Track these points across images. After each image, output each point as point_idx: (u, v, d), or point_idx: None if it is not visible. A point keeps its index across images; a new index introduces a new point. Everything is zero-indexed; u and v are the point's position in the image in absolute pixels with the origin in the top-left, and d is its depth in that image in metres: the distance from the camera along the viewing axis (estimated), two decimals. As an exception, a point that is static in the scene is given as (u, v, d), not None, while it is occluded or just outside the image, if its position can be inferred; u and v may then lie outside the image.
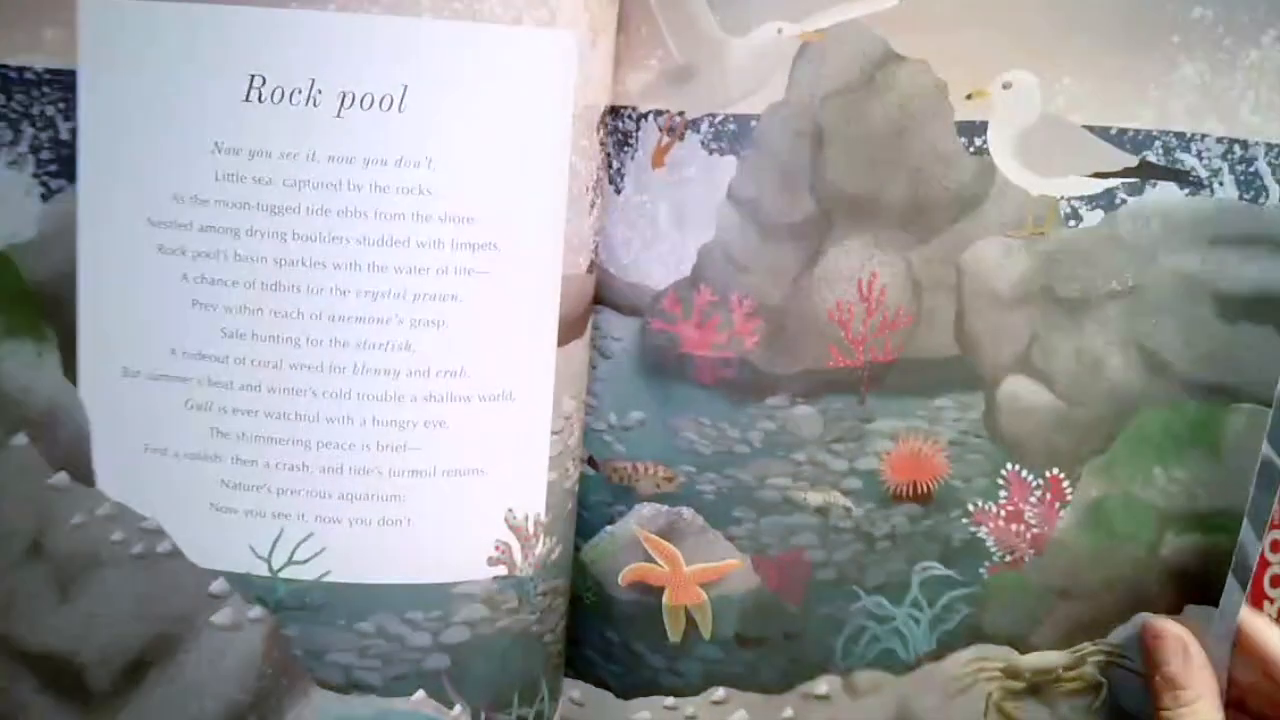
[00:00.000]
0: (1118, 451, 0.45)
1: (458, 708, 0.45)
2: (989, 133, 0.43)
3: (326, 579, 0.43)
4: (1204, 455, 0.45)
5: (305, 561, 0.43)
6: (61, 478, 0.43)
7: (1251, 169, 0.42)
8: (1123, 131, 0.42)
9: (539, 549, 0.45)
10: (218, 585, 0.44)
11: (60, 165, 0.42)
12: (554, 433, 0.45)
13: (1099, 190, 0.43)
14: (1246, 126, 0.42)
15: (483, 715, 0.45)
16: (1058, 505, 0.45)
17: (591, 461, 0.47)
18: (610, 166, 0.45)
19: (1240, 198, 0.43)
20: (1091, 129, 0.42)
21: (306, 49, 0.40)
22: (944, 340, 0.45)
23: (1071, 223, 0.44)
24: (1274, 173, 0.42)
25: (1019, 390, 0.45)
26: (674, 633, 0.47)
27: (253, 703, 0.44)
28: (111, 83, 0.41)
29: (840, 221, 0.44)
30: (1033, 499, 0.45)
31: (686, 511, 0.46)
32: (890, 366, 0.45)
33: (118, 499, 0.43)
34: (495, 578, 0.45)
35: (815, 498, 0.46)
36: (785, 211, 0.44)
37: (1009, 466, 0.46)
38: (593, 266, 0.45)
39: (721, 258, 0.45)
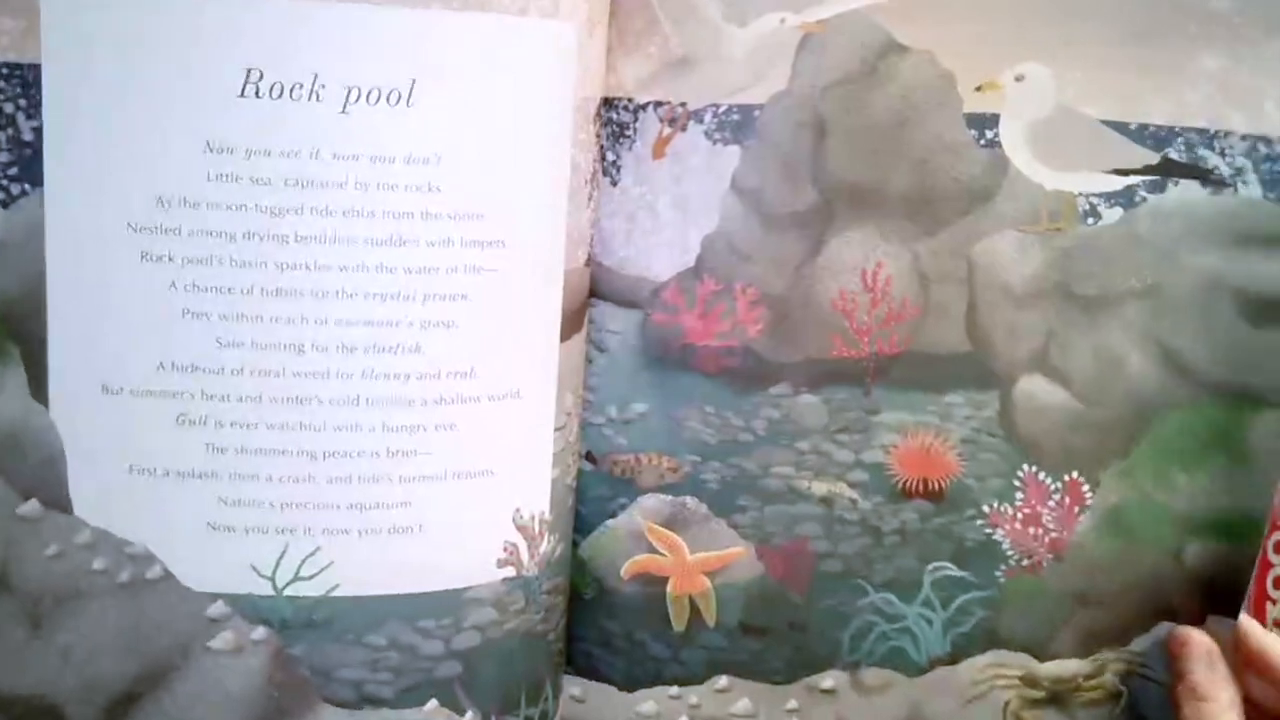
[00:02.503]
0: (1139, 455, 0.44)
1: (469, 714, 0.44)
2: (1001, 126, 0.43)
3: (335, 593, 0.42)
4: (1227, 459, 0.44)
5: (312, 577, 0.42)
6: (32, 506, 0.40)
7: (1277, 167, 0.42)
8: (1143, 127, 0.42)
9: (544, 547, 0.45)
10: (216, 608, 0.41)
11: (22, 168, 0.38)
12: (556, 429, 0.44)
13: (1119, 187, 0.43)
14: (1271, 122, 0.42)
15: (493, 719, 0.45)
16: (1076, 509, 0.45)
17: (589, 456, 0.47)
18: (604, 159, 0.44)
19: (1264, 196, 0.43)
20: (1110, 124, 0.42)
21: (309, 42, 0.38)
22: (954, 334, 0.45)
23: (1090, 220, 0.44)
24: None
25: (1035, 389, 0.45)
26: (678, 622, 0.47)
27: (259, 728, 0.42)
28: (82, 77, 0.38)
29: (843, 211, 0.44)
30: (1051, 502, 0.45)
31: (690, 501, 0.47)
32: (897, 359, 0.45)
33: (99, 525, 0.40)
34: (504, 579, 0.44)
35: (820, 487, 0.46)
36: (788, 201, 0.44)
37: (1025, 468, 0.45)
38: (589, 260, 0.45)
39: (725, 248, 0.45)
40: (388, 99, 0.38)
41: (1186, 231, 0.43)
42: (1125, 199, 0.43)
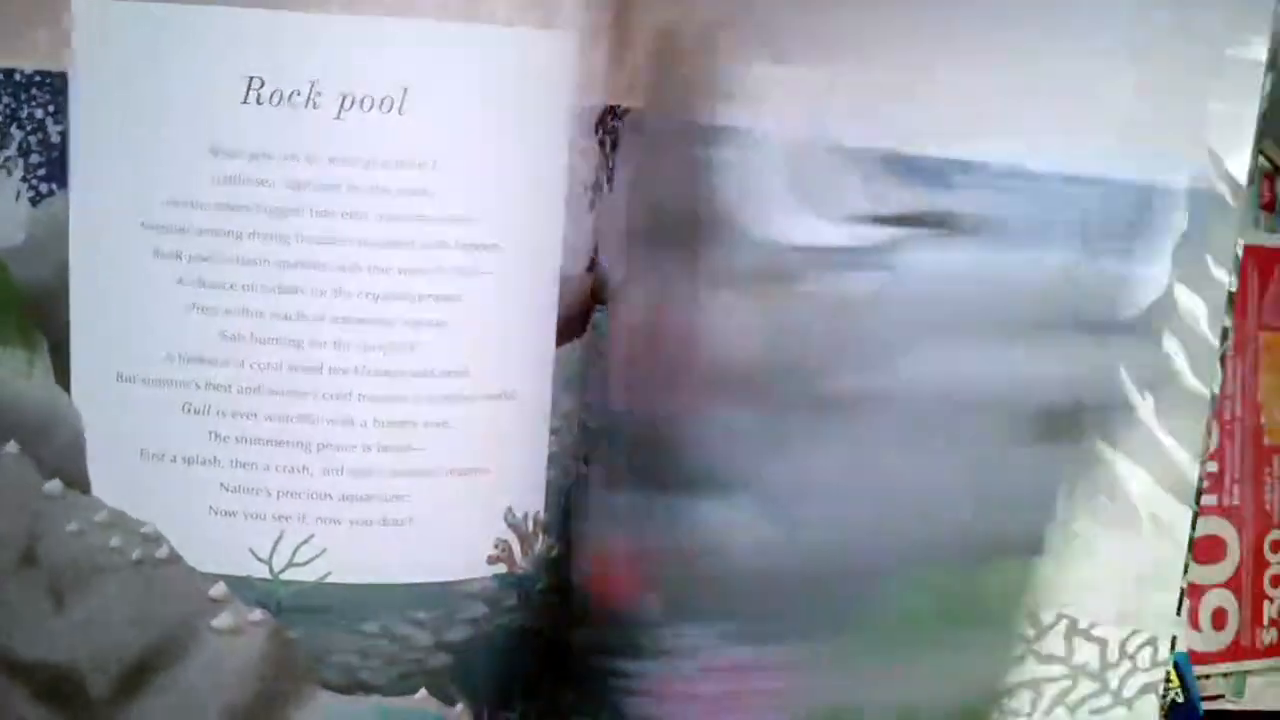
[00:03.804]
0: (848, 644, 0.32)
1: (460, 705, 0.45)
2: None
3: (328, 580, 0.43)
4: (960, 627, 0.31)
5: (306, 563, 0.43)
6: (55, 485, 0.43)
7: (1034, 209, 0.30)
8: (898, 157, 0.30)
9: (538, 547, 0.46)
10: (218, 589, 0.43)
11: (50, 169, 0.41)
12: (552, 431, 0.45)
13: (863, 243, 0.31)
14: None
15: (485, 713, 0.46)
16: None
17: (587, 460, 0.47)
18: (608, 166, 0.45)
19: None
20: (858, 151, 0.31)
21: (306, 50, 0.39)
22: None
23: (806, 284, 0.32)
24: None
25: None
26: None
27: (255, 705, 0.43)
28: (104, 85, 0.40)
29: None
30: None
31: None
32: None
33: (115, 505, 0.43)
34: (495, 576, 0.45)
35: None
36: None
37: None
38: (593, 265, 0.46)
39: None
40: (380, 106, 0.40)
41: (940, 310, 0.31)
42: (873, 258, 0.31)
